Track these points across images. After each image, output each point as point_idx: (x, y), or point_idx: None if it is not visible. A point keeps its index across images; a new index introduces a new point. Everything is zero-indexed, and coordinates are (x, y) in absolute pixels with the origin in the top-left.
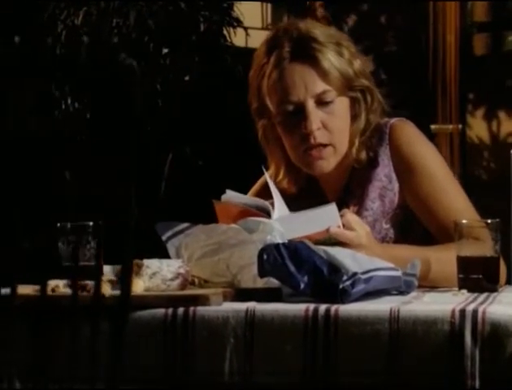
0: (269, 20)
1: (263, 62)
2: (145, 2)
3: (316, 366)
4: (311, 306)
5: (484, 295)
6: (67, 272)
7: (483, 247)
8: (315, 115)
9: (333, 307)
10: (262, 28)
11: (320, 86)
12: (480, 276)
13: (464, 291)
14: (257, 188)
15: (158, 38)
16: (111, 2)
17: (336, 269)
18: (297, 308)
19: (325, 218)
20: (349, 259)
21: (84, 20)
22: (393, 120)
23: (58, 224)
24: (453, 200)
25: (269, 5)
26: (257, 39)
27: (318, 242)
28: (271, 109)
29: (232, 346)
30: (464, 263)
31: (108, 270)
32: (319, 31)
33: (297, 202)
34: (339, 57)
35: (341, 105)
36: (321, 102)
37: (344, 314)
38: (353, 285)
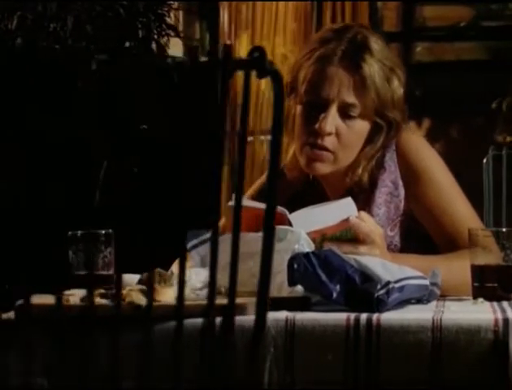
0: (181, 28)
1: (315, 47)
2: (83, 8)
3: (358, 376)
4: (352, 315)
5: (506, 303)
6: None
7: (497, 255)
8: (333, 119)
9: (374, 316)
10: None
11: (351, 97)
12: (495, 285)
13: (481, 299)
14: (252, 193)
15: (96, 44)
16: (48, 7)
17: (368, 278)
18: (338, 317)
19: (342, 210)
20: (380, 268)
21: (18, 24)
22: None
23: (69, 233)
24: (459, 209)
25: (181, 12)
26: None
27: (334, 236)
28: (299, 90)
29: (272, 356)
30: (479, 272)
31: (130, 280)
32: (379, 48)
33: (297, 203)
34: (385, 81)
35: (362, 126)
36: (344, 112)
37: (386, 323)
38: (388, 294)
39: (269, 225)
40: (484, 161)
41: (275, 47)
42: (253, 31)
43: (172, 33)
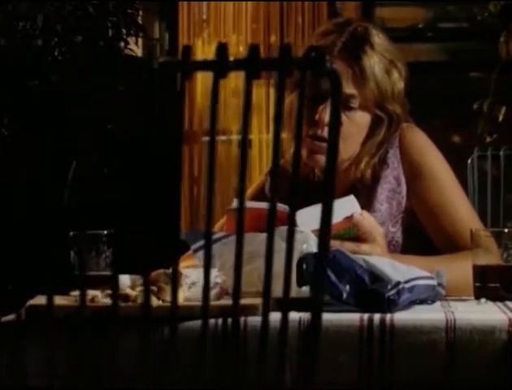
0: None
1: (316, 39)
2: (53, 7)
3: (372, 377)
4: (365, 316)
5: (511, 304)
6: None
7: (498, 256)
8: None
9: (388, 317)
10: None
11: (350, 88)
12: (498, 285)
13: (484, 299)
14: (252, 193)
15: (66, 42)
16: (18, 6)
17: (377, 278)
18: (351, 318)
19: (345, 208)
20: (388, 268)
21: None
22: (403, 125)
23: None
24: (459, 209)
25: (140, 12)
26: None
27: (337, 235)
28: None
29: (286, 357)
30: (481, 272)
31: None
32: (380, 41)
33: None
34: (385, 73)
35: (362, 118)
36: (344, 104)
37: (399, 324)
38: (398, 294)
39: (326, 228)
40: (469, 161)
41: (234, 46)
42: (212, 30)
43: (140, 33)
